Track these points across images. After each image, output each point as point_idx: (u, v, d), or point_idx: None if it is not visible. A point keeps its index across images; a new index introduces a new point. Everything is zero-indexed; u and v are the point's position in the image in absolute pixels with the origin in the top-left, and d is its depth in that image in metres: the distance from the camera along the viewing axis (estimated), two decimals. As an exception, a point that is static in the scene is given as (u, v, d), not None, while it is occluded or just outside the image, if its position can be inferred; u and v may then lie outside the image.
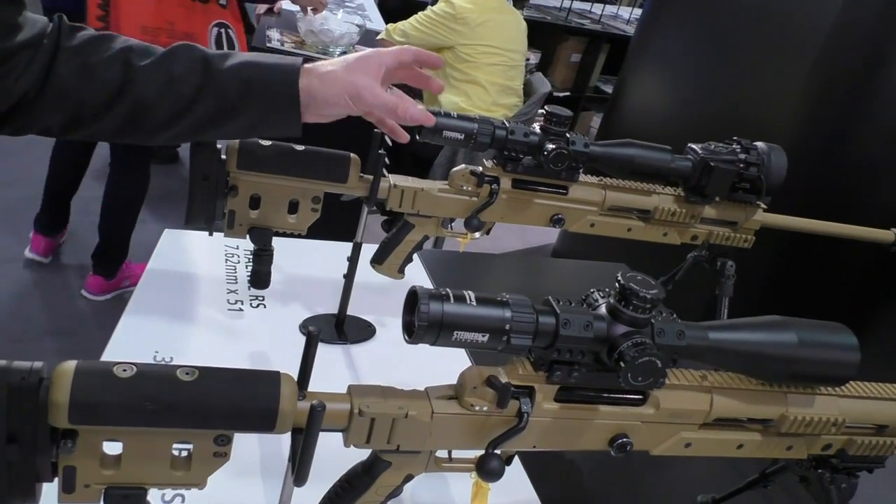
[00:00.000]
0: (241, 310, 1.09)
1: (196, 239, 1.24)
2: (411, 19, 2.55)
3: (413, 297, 0.56)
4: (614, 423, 0.64)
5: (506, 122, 0.96)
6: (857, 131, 2.01)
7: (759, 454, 0.71)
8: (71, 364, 0.50)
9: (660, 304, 0.59)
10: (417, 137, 0.95)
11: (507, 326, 0.56)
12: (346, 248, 1.35)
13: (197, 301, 1.08)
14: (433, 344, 0.55)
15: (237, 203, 0.94)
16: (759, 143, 1.04)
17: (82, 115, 0.75)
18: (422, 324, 0.54)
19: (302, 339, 1.06)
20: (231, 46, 1.96)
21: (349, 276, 1.07)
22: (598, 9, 4.97)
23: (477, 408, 0.60)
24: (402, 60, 0.87)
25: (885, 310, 1.96)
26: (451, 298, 0.55)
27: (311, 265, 1.23)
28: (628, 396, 0.64)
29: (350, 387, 0.59)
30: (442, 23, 2.48)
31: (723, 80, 2.49)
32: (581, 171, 1.01)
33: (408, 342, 0.56)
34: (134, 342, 0.97)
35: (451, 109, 0.94)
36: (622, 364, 0.57)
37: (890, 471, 0.78)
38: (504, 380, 0.59)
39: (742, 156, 1.03)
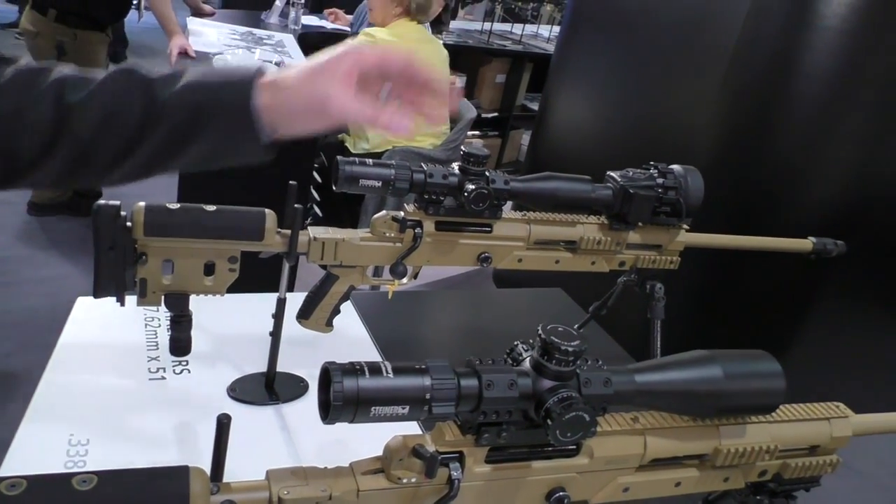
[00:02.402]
0: (163, 378, 1.04)
1: (110, 305, 1.17)
2: None
3: (326, 375, 0.53)
4: (549, 478, 0.62)
5: (423, 165, 0.95)
6: (769, 141, 2.08)
7: (697, 489, 0.70)
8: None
9: (583, 354, 0.58)
10: (334, 188, 0.93)
11: (428, 395, 0.54)
12: (270, 299, 1.31)
13: (115, 373, 1.02)
14: (351, 422, 0.53)
15: (148, 271, 0.90)
16: (675, 167, 1.06)
17: (18, 165, 0.68)
18: (337, 403, 0.51)
19: (231, 405, 1.03)
20: None
21: (276, 334, 1.03)
22: (518, 29, 5.05)
23: (405, 480, 0.57)
24: (386, 60, 0.74)
25: (812, 314, 2.02)
26: (367, 372, 0.53)
27: (235, 323, 1.18)
28: (560, 449, 0.63)
29: (268, 472, 0.56)
30: None
31: (640, 95, 2.55)
32: (503, 207, 1.00)
33: (325, 423, 0.54)
34: (45, 426, 0.91)
35: (376, 144, 0.92)
36: (549, 421, 0.56)
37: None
38: (431, 448, 0.57)
39: (660, 180, 1.04)
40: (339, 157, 0.91)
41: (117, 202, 0.87)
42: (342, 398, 0.51)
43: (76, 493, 0.48)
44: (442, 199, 0.96)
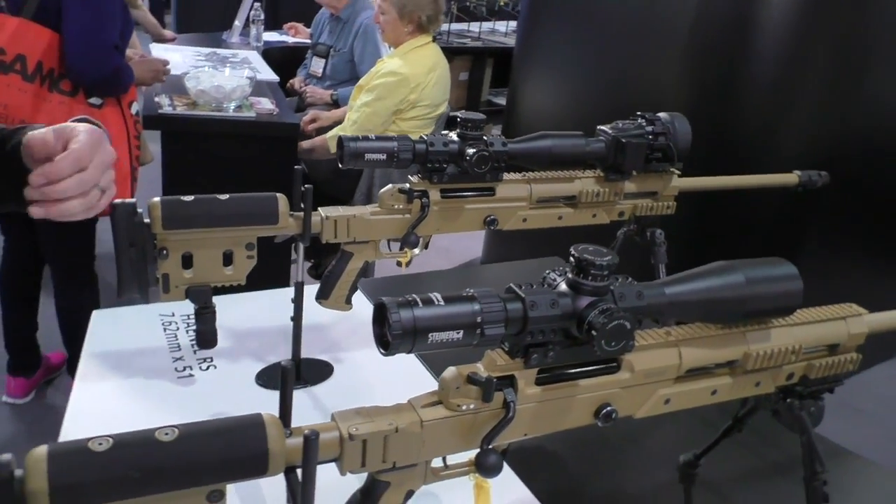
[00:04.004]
0: (191, 375, 1.05)
1: (128, 314, 1.19)
2: (357, 110, 2.38)
3: (382, 309, 0.55)
4: (596, 395, 0.65)
5: (423, 136, 0.98)
6: (736, 95, 2.14)
7: (732, 396, 0.73)
8: (42, 449, 0.47)
9: (615, 269, 0.61)
10: (340, 165, 0.95)
11: (479, 319, 0.56)
12: (286, 292, 1.33)
13: (143, 376, 1.03)
14: (409, 351, 0.55)
15: (169, 265, 0.91)
16: (662, 114, 1.10)
17: None
18: (396, 333, 0.54)
19: (261, 392, 1.05)
20: None
21: (297, 319, 1.05)
22: (475, 26, 5.11)
23: (464, 407, 0.60)
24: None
25: (800, 243, 2.08)
26: (420, 303, 0.55)
27: (254, 316, 1.20)
28: (604, 366, 0.66)
29: (334, 414, 0.58)
30: (396, 89, 2.37)
31: (606, 70, 2.61)
32: (504, 169, 1.03)
33: (384, 355, 0.56)
34: (83, 433, 0.92)
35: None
36: (594, 333, 0.58)
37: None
38: (484, 374, 0.60)
39: (649, 128, 1.08)
40: (342, 135, 0.94)
41: (133, 199, 0.89)
42: (401, 328, 0.53)
43: (161, 445, 0.50)
44: (444, 166, 0.99)
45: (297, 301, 1.04)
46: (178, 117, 2.25)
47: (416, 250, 1.03)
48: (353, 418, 0.57)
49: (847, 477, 1.02)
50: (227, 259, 0.95)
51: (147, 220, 0.89)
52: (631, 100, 2.47)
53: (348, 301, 1.05)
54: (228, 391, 1.03)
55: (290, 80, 3.32)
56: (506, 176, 1.04)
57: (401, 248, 1.05)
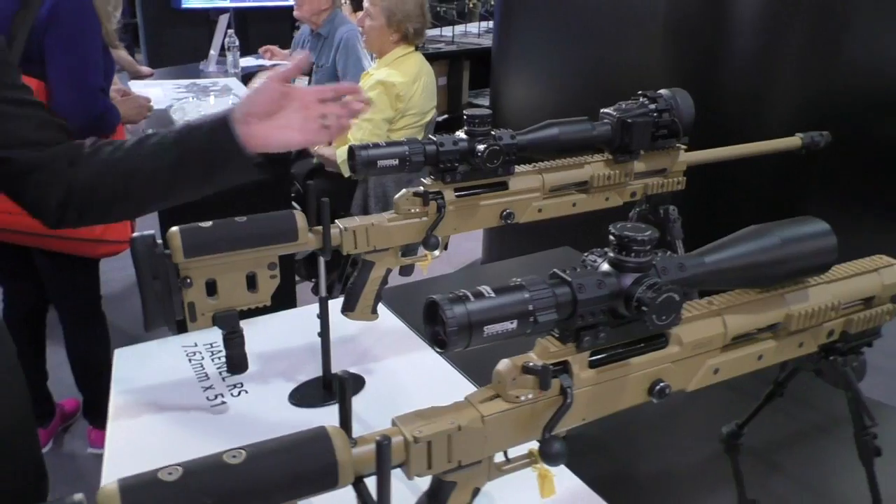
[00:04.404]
0: (223, 402, 1.04)
1: (150, 349, 1.18)
2: (358, 127, 2.33)
3: (433, 307, 0.55)
4: (648, 372, 0.65)
5: (432, 137, 0.98)
6: (722, 67, 2.15)
7: (777, 359, 0.73)
8: (112, 485, 0.47)
9: (656, 243, 0.61)
10: (353, 175, 0.95)
11: (531, 307, 0.56)
12: (307, 311, 1.33)
13: (176, 409, 1.02)
14: (466, 347, 0.55)
15: (194, 293, 0.90)
16: (663, 91, 1.10)
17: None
18: (452, 329, 0.53)
19: (297, 412, 1.04)
20: None
21: (324, 334, 1.04)
22: (448, 31, 5.12)
23: (522, 398, 0.59)
24: (286, 76, 0.92)
25: (804, 205, 2.09)
26: (471, 297, 0.55)
27: (279, 337, 1.19)
28: (652, 343, 0.66)
29: (395, 419, 0.58)
30: (387, 99, 2.35)
31: (587, 58, 2.61)
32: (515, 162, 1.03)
33: (441, 352, 0.56)
34: (125, 471, 0.91)
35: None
36: (644, 308, 0.58)
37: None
38: (539, 362, 0.59)
39: (652, 106, 1.08)
40: (352, 145, 0.93)
41: (151, 231, 0.88)
42: (456, 324, 0.53)
43: (230, 468, 0.49)
44: (456, 165, 0.99)
45: (323, 316, 1.03)
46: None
47: (437, 252, 1.03)
48: (415, 421, 0.57)
49: (894, 430, 1.03)
50: (251, 282, 0.94)
51: (167, 251, 0.88)
52: (614, 85, 2.48)
53: (374, 311, 1.04)
54: (264, 414, 1.02)
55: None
56: (517, 168, 1.04)
57: (411, 253, 1.04)
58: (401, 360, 1.17)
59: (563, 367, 0.61)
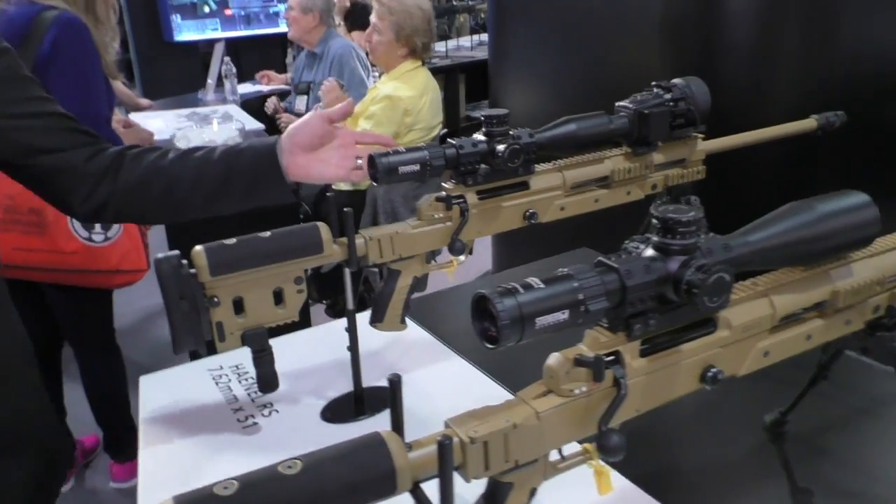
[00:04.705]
0: (255, 423, 1.02)
1: (175, 375, 1.16)
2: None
3: (482, 302, 0.53)
4: (700, 358, 0.64)
5: (451, 141, 0.97)
6: (718, 59, 2.15)
7: (825, 338, 0.72)
8: (167, 502, 0.45)
9: (701, 224, 0.59)
10: (375, 183, 0.94)
11: (581, 296, 0.55)
12: (332, 326, 1.31)
13: (207, 433, 1.00)
14: (518, 341, 0.53)
15: (222, 312, 0.89)
16: (676, 80, 1.09)
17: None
18: (504, 323, 0.52)
19: (330, 428, 1.02)
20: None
21: (353, 348, 1.02)
22: (440, 46, 5.14)
23: (576, 391, 0.58)
24: (332, 117, 0.98)
25: (817, 187, 2.08)
26: (520, 289, 0.53)
27: (306, 354, 1.18)
28: (701, 329, 0.64)
29: (447, 421, 0.56)
30: (394, 113, 2.35)
31: (585, 61, 2.61)
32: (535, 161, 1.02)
33: (493, 348, 0.54)
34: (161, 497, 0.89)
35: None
36: (695, 291, 0.57)
37: None
38: (591, 354, 0.58)
39: (667, 96, 1.07)
40: (372, 153, 0.92)
41: (176, 252, 0.87)
42: (508, 317, 0.52)
43: (287, 479, 0.48)
44: (477, 167, 0.98)
45: (352, 330, 1.01)
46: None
47: (462, 257, 1.01)
48: (469, 422, 0.55)
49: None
50: (277, 297, 0.93)
51: (192, 271, 0.87)
52: (614, 84, 2.47)
53: (403, 321, 1.03)
54: (297, 432, 1.00)
55: (266, 101, 3.31)
56: (536, 167, 1.03)
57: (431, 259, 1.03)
58: (431, 370, 1.16)
59: (615, 358, 0.59)
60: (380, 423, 1.03)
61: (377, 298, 1.01)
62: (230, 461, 0.95)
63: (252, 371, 1.15)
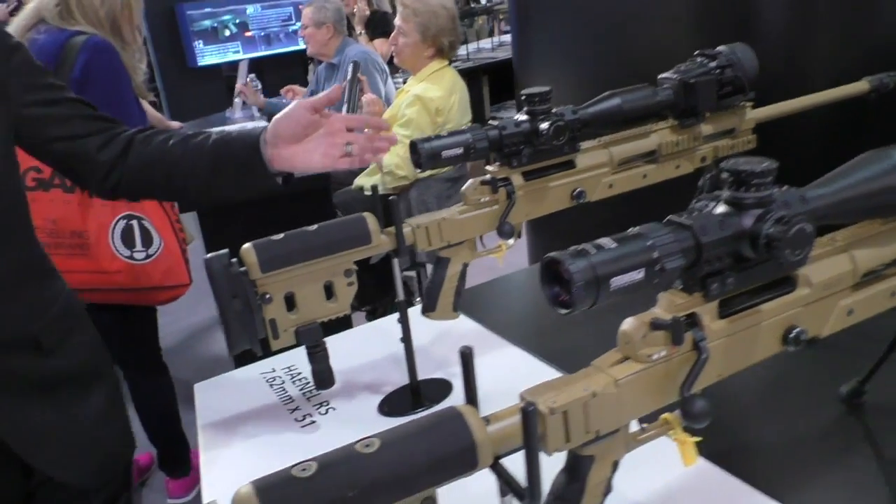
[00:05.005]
0: (313, 422, 1.01)
1: (228, 381, 1.16)
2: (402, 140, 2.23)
3: (553, 265, 0.51)
4: (781, 318, 0.61)
5: (492, 122, 0.95)
6: (755, 29, 2.10)
7: (911, 294, 0.68)
8: (247, 487, 0.44)
9: (776, 175, 0.56)
10: (419, 170, 0.93)
11: (655, 255, 0.52)
12: (381, 322, 1.30)
13: (267, 435, 0.99)
14: (592, 305, 0.51)
15: (274, 309, 0.88)
16: (721, 47, 1.06)
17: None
18: (578, 285, 0.49)
19: (390, 421, 1.00)
20: (146, 238, 1.84)
21: (406, 340, 1.00)
22: (461, 50, 5.14)
23: (655, 356, 0.55)
24: (316, 106, 0.95)
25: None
26: (592, 249, 0.51)
27: (357, 350, 1.16)
28: (780, 287, 0.61)
29: (522, 393, 0.54)
30: (426, 114, 2.34)
31: (613, 42, 2.55)
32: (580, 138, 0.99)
33: (567, 314, 0.52)
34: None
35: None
36: (776, 244, 0.54)
37: None
38: (668, 316, 0.55)
39: (713, 64, 1.04)
40: (414, 139, 0.91)
41: (225, 250, 0.86)
42: (582, 278, 0.49)
43: (367, 458, 0.46)
44: (521, 148, 0.96)
45: (404, 321, 0.99)
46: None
47: (511, 241, 0.99)
48: (546, 392, 0.53)
49: None
50: (328, 291, 0.92)
51: (243, 269, 0.86)
52: (644, 67, 2.42)
53: (455, 308, 1.01)
54: (356, 428, 0.97)
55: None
56: (582, 145, 1.01)
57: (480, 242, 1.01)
58: (484, 360, 1.11)
59: (693, 320, 0.57)
60: (437, 415, 1.01)
61: (429, 288, 0.99)
62: (291, 460, 0.93)
63: (305, 371, 1.15)
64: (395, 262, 0.96)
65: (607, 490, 0.57)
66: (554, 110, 0.96)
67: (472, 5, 5.25)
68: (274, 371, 1.16)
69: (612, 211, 1.08)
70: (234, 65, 4.93)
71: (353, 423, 1.00)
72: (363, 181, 2.69)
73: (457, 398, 1.04)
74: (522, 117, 0.96)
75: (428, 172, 2.47)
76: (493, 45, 5.29)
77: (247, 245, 0.86)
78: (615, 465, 0.57)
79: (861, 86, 1.19)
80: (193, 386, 1.14)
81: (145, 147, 0.98)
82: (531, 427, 0.47)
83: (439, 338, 1.19)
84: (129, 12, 1.80)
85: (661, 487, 0.81)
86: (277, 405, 1.06)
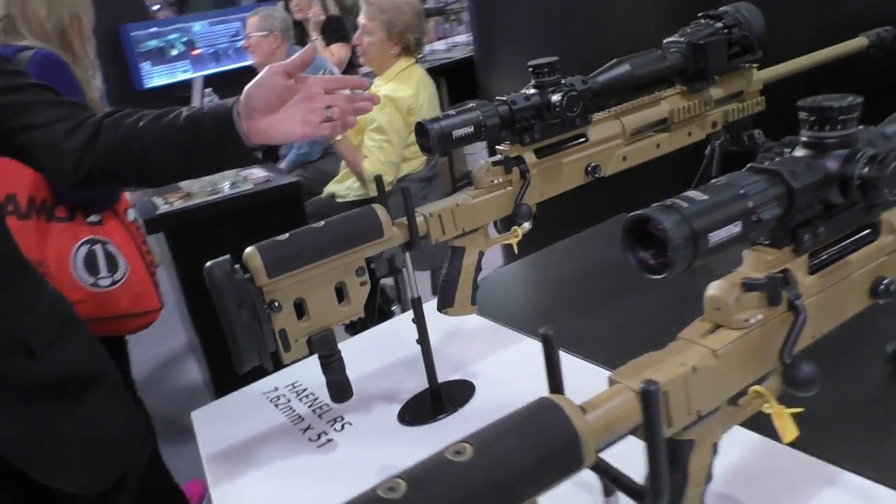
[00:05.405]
0: (330, 440, 0.92)
1: (227, 405, 1.06)
2: (377, 145, 2.23)
3: (640, 223, 0.45)
4: (869, 269, 0.55)
5: (501, 97, 0.88)
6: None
7: None
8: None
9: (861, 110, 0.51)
10: (428, 155, 0.86)
11: (750, 204, 0.46)
12: (385, 328, 1.22)
13: (281, 459, 0.90)
14: (690, 265, 0.44)
15: (284, 318, 0.80)
16: (725, 7, 1.01)
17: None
18: (676, 243, 0.43)
19: (413, 431, 0.92)
20: (112, 264, 1.74)
21: (423, 340, 0.93)
22: (415, 53, 5.07)
23: (752, 320, 0.49)
24: (288, 70, 0.88)
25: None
26: (683, 202, 0.45)
27: (369, 358, 1.08)
28: (864, 237, 0.56)
29: (610, 376, 0.47)
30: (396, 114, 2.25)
31: (577, 33, 2.53)
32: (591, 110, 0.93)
33: (661, 278, 0.45)
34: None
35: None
36: (874, 184, 0.48)
37: None
38: (760, 275, 0.49)
39: (718, 25, 1.00)
40: (421, 121, 0.84)
41: (226, 256, 0.78)
42: (679, 235, 0.43)
43: (462, 467, 0.39)
44: (533, 123, 0.89)
45: (420, 320, 0.91)
46: (179, 212, 2.14)
47: (527, 225, 0.93)
48: (639, 372, 0.46)
49: None
50: (339, 293, 0.84)
51: (247, 275, 0.78)
52: (613, 51, 2.40)
53: (474, 302, 0.94)
54: (377, 442, 0.91)
55: None
56: (593, 117, 0.95)
57: (506, 227, 0.94)
58: (501, 357, 1.06)
59: (785, 278, 0.51)
60: (465, 418, 0.93)
61: (444, 282, 0.92)
62: (312, 484, 0.85)
63: (311, 387, 1.07)
64: (408, 256, 0.89)
65: (709, 477, 0.51)
66: (563, 81, 0.90)
67: (425, 7, 5.18)
68: (277, 390, 1.07)
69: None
70: (185, 84, 4.79)
71: (373, 437, 0.92)
72: (333, 188, 2.61)
73: (481, 399, 0.97)
74: (531, 91, 0.89)
75: (402, 172, 2.40)
76: (448, 46, 5.24)
77: (250, 248, 0.78)
78: (715, 448, 0.51)
79: (860, 42, 1.16)
80: (191, 415, 1.04)
81: (115, 130, 0.92)
82: (654, 410, 0.40)
83: (449, 337, 1.11)
84: (79, 24, 1.69)
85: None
86: (287, 426, 0.97)
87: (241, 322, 0.77)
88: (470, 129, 0.85)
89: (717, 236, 0.44)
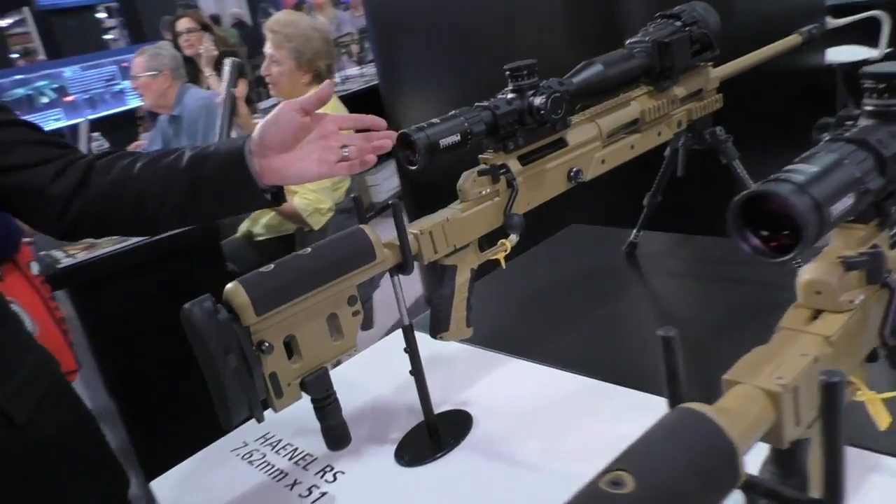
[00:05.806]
0: (324, 493, 0.82)
1: (193, 470, 0.93)
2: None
3: (753, 203, 0.40)
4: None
5: (483, 103, 0.83)
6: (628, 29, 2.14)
7: None
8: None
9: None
10: (414, 168, 0.79)
11: (857, 173, 0.42)
12: (373, 354, 1.11)
13: (268, 523, 0.79)
14: (814, 241, 0.40)
15: (275, 360, 0.70)
16: (679, 7, 1.02)
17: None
18: (808, 219, 0.38)
19: (412, 473, 0.83)
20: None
21: (416, 369, 0.85)
22: (310, 87, 4.98)
23: (855, 301, 0.45)
24: (305, 107, 0.82)
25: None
26: (796, 175, 0.40)
27: (353, 393, 0.97)
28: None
29: (726, 377, 0.42)
30: None
31: (483, 57, 2.53)
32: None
33: (782, 260, 0.41)
34: None
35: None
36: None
37: None
38: (857, 253, 0.46)
39: (678, 23, 0.99)
40: (405, 131, 0.77)
41: (206, 294, 0.67)
42: (808, 209, 0.38)
43: (625, 498, 0.32)
44: (516, 128, 0.85)
45: (412, 349, 0.84)
46: (84, 265, 1.93)
47: (515, 237, 0.87)
48: (759, 369, 0.41)
49: None
50: (331, 326, 0.75)
51: (230, 315, 0.68)
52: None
53: (469, 324, 0.87)
54: (377, 489, 0.82)
55: None
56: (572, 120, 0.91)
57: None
58: (489, 381, 1.00)
59: (881, 253, 0.48)
60: (468, 452, 0.86)
61: (437, 305, 0.85)
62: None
63: (285, 437, 0.96)
64: (397, 279, 0.81)
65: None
66: (541, 83, 0.86)
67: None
68: (245, 445, 0.95)
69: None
70: (60, 132, 4.46)
71: (371, 484, 0.83)
72: (248, 226, 2.47)
73: (481, 430, 0.89)
74: (511, 95, 0.85)
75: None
76: (342, 79, 5.18)
77: (231, 284, 0.68)
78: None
79: (795, 39, 1.19)
80: (149, 485, 0.91)
81: (107, 173, 0.83)
82: (836, 408, 0.35)
83: (443, 361, 1.04)
84: None
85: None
86: (268, 484, 0.86)
87: (228, 371, 0.67)
88: (457, 138, 0.79)
89: (836, 209, 0.41)
